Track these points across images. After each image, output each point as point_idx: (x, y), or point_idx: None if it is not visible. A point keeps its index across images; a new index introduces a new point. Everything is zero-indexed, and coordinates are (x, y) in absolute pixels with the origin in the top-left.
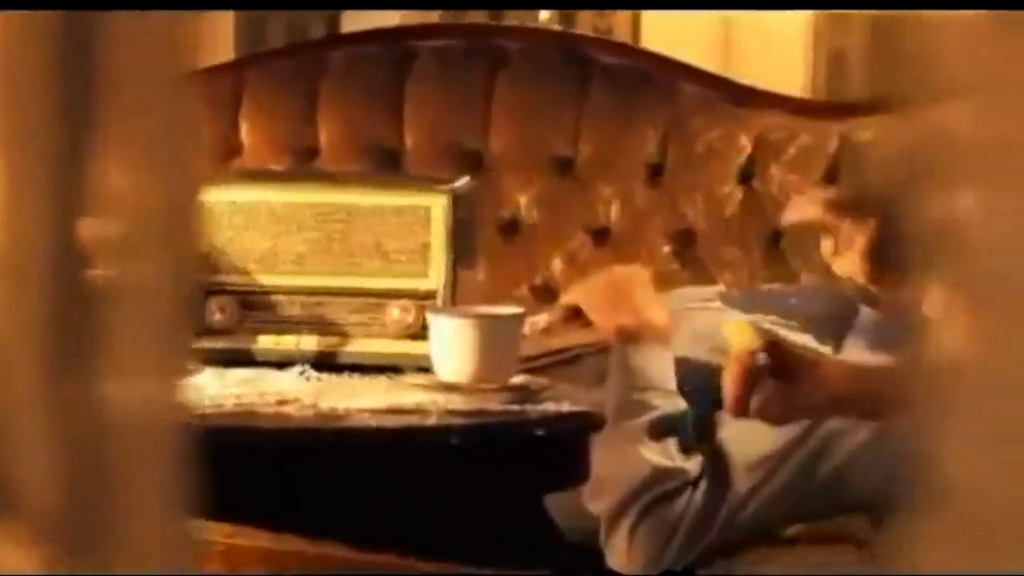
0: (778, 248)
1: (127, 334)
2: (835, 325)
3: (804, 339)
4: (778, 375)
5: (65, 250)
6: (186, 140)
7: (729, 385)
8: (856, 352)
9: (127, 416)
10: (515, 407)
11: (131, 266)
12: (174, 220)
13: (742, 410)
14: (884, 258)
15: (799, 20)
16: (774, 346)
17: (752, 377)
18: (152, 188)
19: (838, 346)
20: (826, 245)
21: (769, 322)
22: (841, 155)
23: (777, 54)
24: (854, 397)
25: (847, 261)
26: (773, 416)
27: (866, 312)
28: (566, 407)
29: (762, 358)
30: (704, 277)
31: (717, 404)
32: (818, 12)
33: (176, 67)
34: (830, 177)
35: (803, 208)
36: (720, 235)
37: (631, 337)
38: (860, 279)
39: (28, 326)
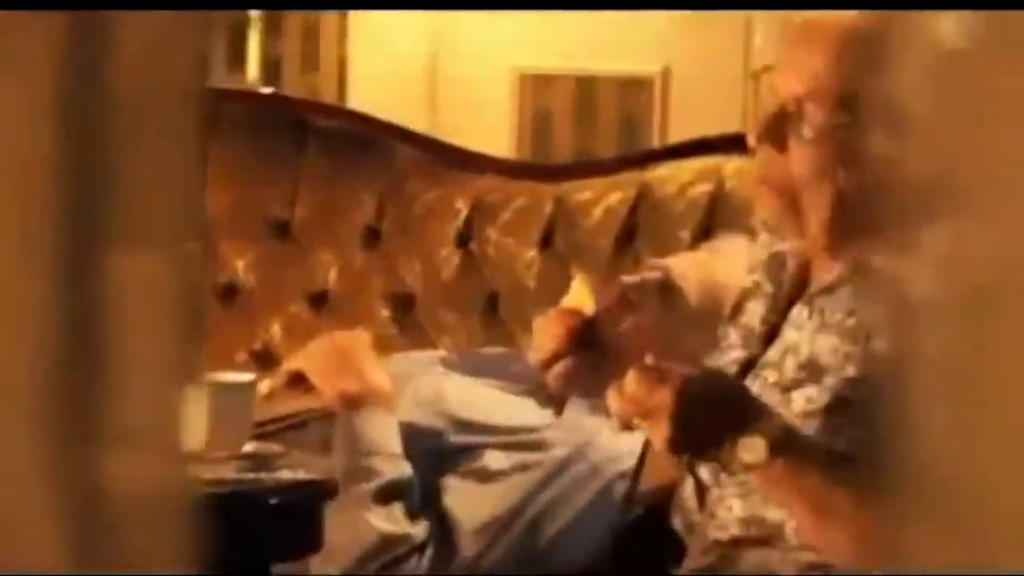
0: (496, 311)
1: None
2: None
3: (526, 403)
4: (592, 348)
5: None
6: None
7: (541, 337)
8: (577, 416)
9: (130, 486)
10: (250, 475)
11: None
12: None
13: (544, 366)
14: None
15: (504, 80)
16: (595, 321)
17: (566, 338)
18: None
19: (560, 410)
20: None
21: (490, 386)
22: (556, 217)
23: (483, 114)
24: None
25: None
26: (572, 386)
27: None
28: (302, 474)
29: (580, 324)
30: (423, 341)
31: (442, 469)
32: (523, 74)
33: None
34: (546, 240)
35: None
36: (438, 298)
37: (355, 402)
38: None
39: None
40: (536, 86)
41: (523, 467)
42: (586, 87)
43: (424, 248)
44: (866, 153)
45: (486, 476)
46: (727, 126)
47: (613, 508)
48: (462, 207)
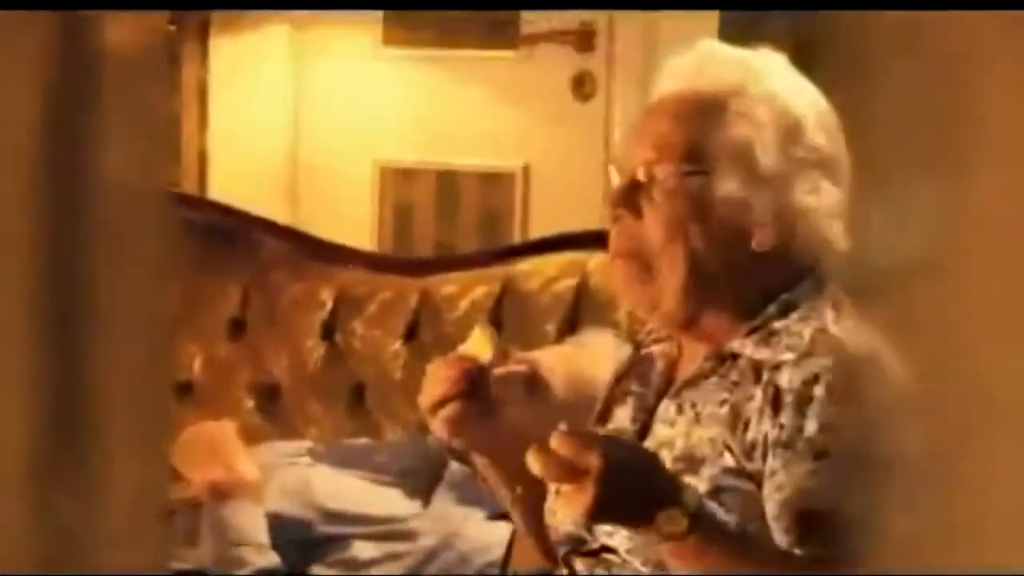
0: (362, 403)
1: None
2: (424, 479)
3: (393, 493)
4: (483, 397)
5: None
6: None
7: (432, 380)
8: (445, 506)
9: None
10: None
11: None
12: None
13: (431, 410)
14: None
15: (366, 173)
16: (488, 370)
17: (457, 382)
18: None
19: (427, 500)
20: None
21: (357, 476)
22: (421, 310)
23: (344, 206)
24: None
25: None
26: (457, 432)
27: (455, 467)
28: (176, 566)
29: (473, 370)
30: (290, 431)
31: (310, 559)
32: (384, 167)
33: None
34: (411, 332)
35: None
36: (304, 389)
37: (223, 492)
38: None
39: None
40: (397, 179)
41: (392, 557)
42: (447, 181)
43: (290, 339)
44: (717, 207)
45: (354, 566)
46: (588, 221)
47: None
48: (327, 299)
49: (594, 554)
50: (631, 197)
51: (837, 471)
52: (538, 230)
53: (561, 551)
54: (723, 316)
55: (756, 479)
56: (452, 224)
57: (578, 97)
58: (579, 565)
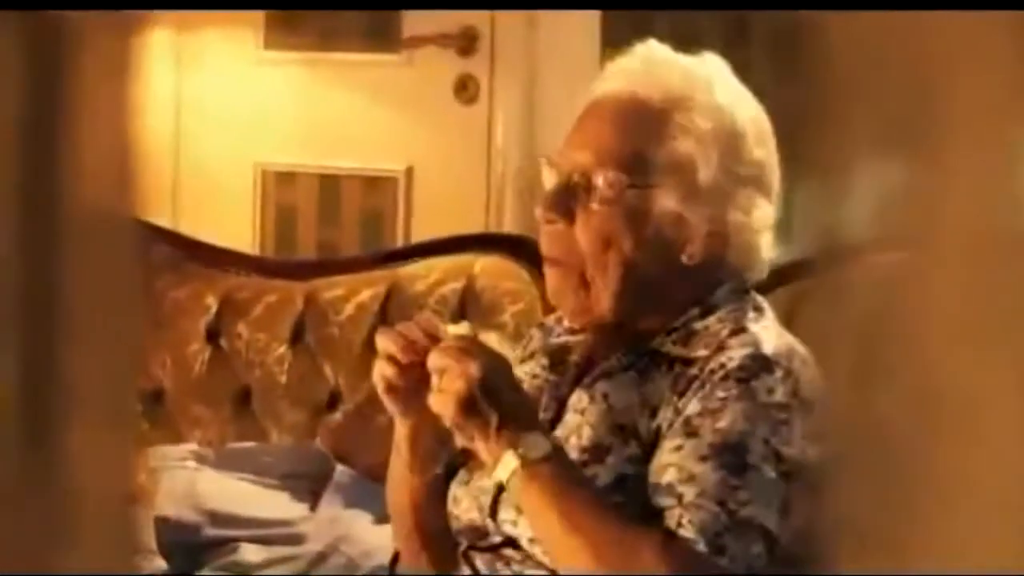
0: (248, 406)
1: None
2: (310, 483)
3: (281, 497)
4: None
5: None
6: None
7: (394, 335)
8: (332, 509)
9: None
10: None
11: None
12: None
13: (381, 358)
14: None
15: (247, 176)
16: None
17: (411, 348)
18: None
19: (314, 503)
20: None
21: (243, 480)
22: (307, 313)
23: (226, 209)
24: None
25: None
26: (390, 394)
27: (342, 470)
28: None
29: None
30: (174, 435)
31: (197, 563)
32: (265, 170)
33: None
34: (297, 335)
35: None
36: (189, 393)
37: None
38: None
39: None
40: (279, 182)
41: (279, 560)
42: (329, 184)
43: (174, 343)
44: (654, 220)
45: (241, 569)
46: (471, 224)
47: None
48: (212, 303)
49: (494, 549)
50: (564, 201)
51: (694, 453)
52: (421, 233)
53: (461, 546)
54: (652, 320)
55: None
56: (334, 227)
57: (461, 100)
58: (479, 561)
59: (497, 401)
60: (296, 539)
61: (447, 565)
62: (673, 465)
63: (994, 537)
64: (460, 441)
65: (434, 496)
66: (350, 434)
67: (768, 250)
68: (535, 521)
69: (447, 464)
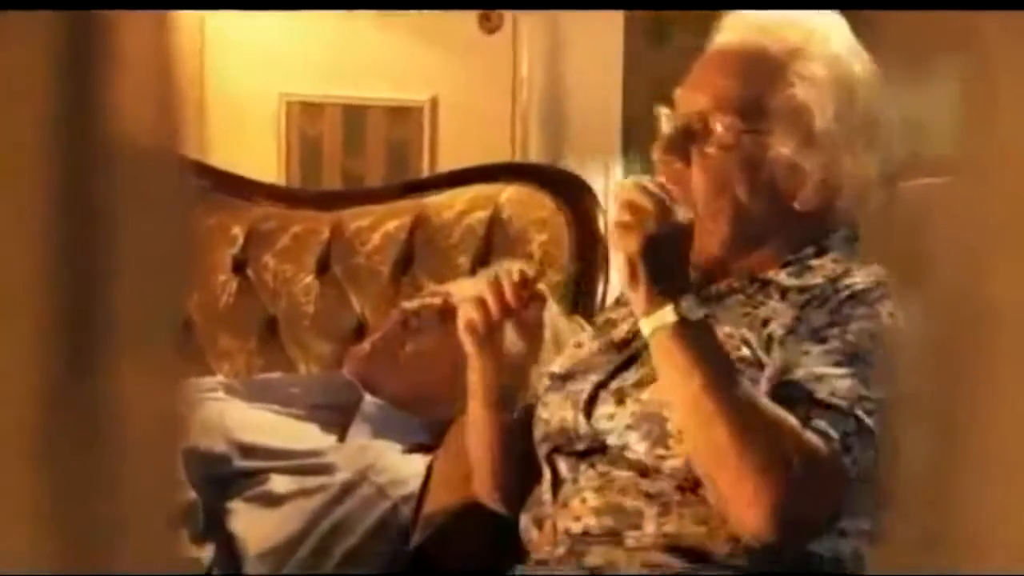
0: (275, 337)
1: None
2: (339, 413)
3: (310, 428)
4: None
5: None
6: None
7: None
8: (361, 439)
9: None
10: None
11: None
12: None
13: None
14: None
15: (271, 107)
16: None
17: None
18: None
19: (343, 433)
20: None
21: (272, 411)
22: (333, 243)
23: (251, 141)
24: None
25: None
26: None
27: (369, 400)
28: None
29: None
30: (203, 367)
31: (227, 494)
32: (290, 101)
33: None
34: (323, 266)
35: None
36: (216, 324)
37: None
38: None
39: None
40: (304, 113)
41: (308, 491)
42: (354, 115)
43: (202, 275)
44: (768, 167)
45: (271, 500)
46: (495, 155)
47: (399, 531)
48: (238, 234)
49: (579, 454)
50: (682, 144)
51: (825, 354)
52: (446, 163)
53: (543, 449)
54: (763, 257)
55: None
56: (360, 157)
57: (484, 29)
58: (562, 464)
59: (674, 257)
60: (325, 469)
61: (518, 506)
62: (800, 366)
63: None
64: (621, 282)
65: (509, 437)
66: (377, 363)
67: (877, 200)
68: (673, 381)
69: (521, 410)
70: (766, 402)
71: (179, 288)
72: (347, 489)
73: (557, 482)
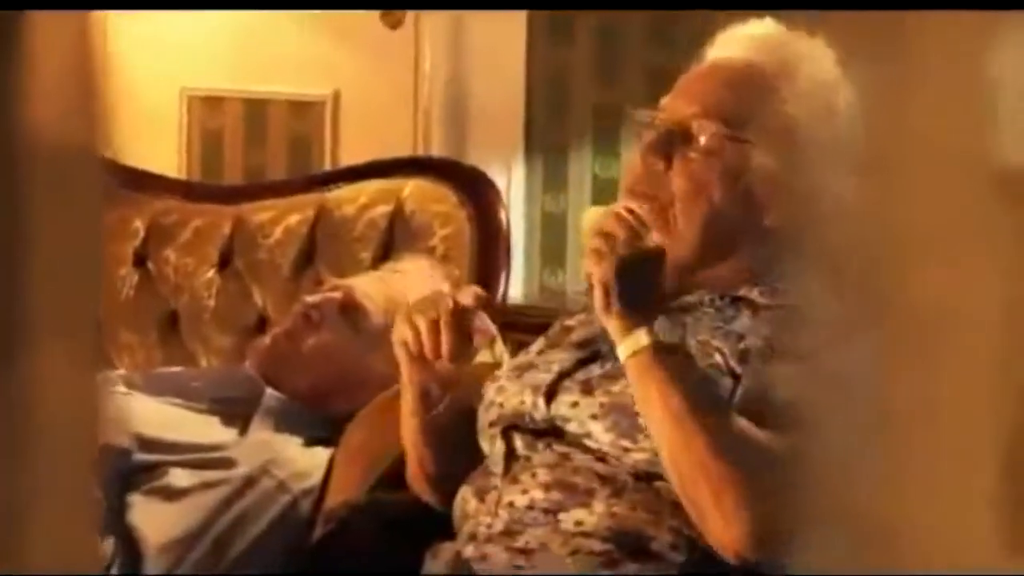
0: (176, 330)
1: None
2: (240, 407)
3: (211, 421)
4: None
5: None
6: None
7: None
8: (262, 433)
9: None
10: None
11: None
12: None
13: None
14: None
15: (173, 101)
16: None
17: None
18: None
19: (244, 427)
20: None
21: (173, 404)
22: (235, 237)
23: (152, 134)
24: None
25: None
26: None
27: (271, 394)
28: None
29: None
30: (103, 361)
31: (127, 487)
32: (191, 95)
33: None
34: (225, 260)
35: None
36: (117, 318)
37: None
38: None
39: None
40: (205, 107)
41: (209, 485)
42: (256, 108)
43: (107, 269)
44: (748, 177)
45: (171, 494)
46: (396, 150)
47: (300, 524)
48: (140, 227)
49: (537, 432)
50: (665, 147)
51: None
52: (348, 157)
53: (496, 428)
54: (730, 272)
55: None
56: (261, 152)
57: (387, 23)
58: (518, 440)
59: (646, 282)
60: (226, 463)
61: (446, 494)
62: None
63: (964, 462)
64: (595, 308)
65: (435, 431)
66: (279, 358)
67: (848, 221)
68: (651, 403)
69: (447, 406)
70: (743, 421)
71: (95, 283)
72: (248, 483)
73: (511, 456)
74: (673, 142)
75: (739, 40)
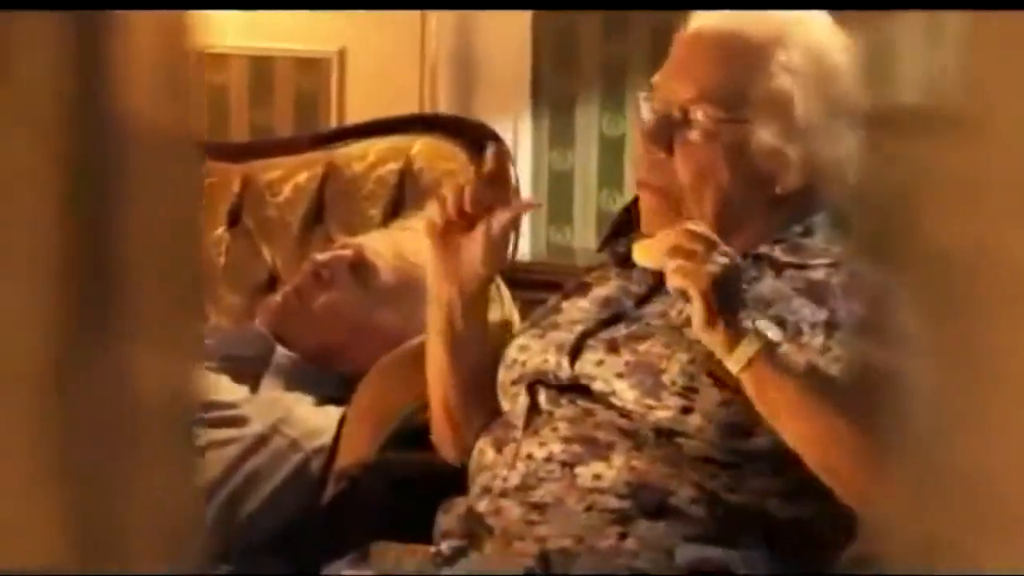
0: None
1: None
2: (251, 365)
3: (222, 380)
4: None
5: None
6: None
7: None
8: (273, 391)
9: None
10: None
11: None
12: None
13: None
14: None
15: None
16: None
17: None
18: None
19: (256, 385)
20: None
21: None
22: (244, 195)
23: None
24: None
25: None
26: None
27: (281, 352)
28: None
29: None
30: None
31: None
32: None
33: None
34: (234, 218)
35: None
36: None
37: None
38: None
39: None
40: (210, 64)
41: (221, 443)
42: (262, 66)
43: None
44: (751, 154)
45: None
46: (403, 108)
47: (312, 483)
48: None
49: (562, 388)
50: (664, 133)
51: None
52: (355, 115)
53: (520, 385)
54: (748, 237)
55: None
56: (267, 109)
57: None
58: (543, 396)
59: (737, 287)
60: (238, 421)
61: (466, 446)
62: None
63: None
64: (697, 326)
65: (462, 353)
66: (289, 316)
67: (853, 179)
68: (779, 403)
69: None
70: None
71: (197, 278)
72: (260, 441)
73: (533, 410)
74: (670, 128)
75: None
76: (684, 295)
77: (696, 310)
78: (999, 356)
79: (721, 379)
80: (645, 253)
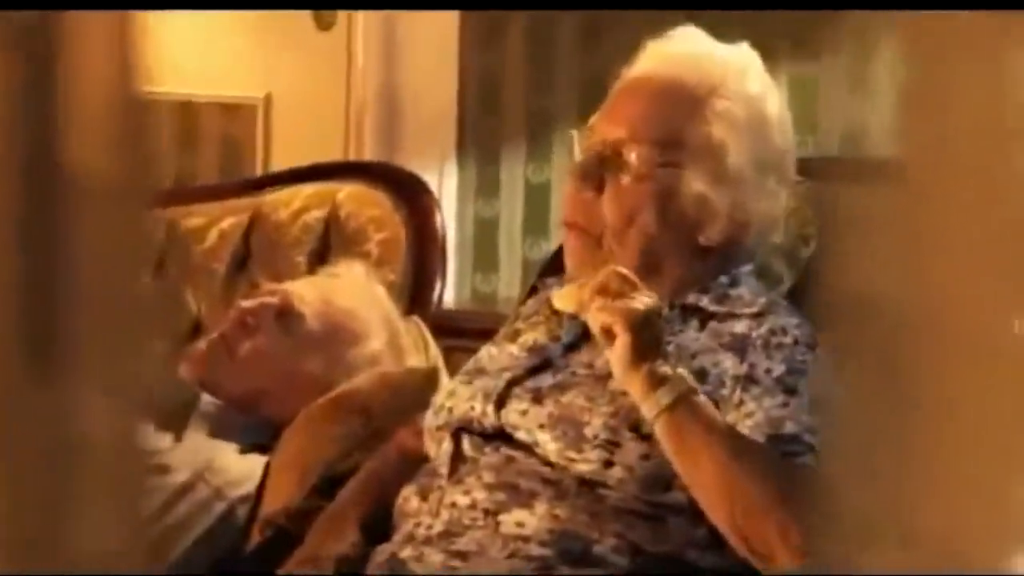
0: None
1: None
2: (175, 413)
3: (147, 428)
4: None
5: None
6: None
7: None
8: (197, 439)
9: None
10: None
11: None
12: None
13: None
14: None
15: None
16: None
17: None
18: None
19: (179, 433)
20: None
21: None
22: (168, 242)
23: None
24: None
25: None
26: None
27: (207, 400)
28: None
29: None
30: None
31: None
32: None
33: None
34: (159, 265)
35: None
36: None
37: None
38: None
39: None
40: None
41: None
42: (187, 112)
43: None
44: (679, 200)
45: None
46: (330, 153)
47: (237, 530)
48: None
49: (487, 436)
50: (595, 172)
51: (801, 406)
52: (280, 161)
53: (447, 431)
54: (667, 289)
55: None
56: (192, 155)
57: (319, 26)
58: (466, 442)
59: (658, 331)
60: (161, 470)
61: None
62: (787, 418)
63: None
64: (621, 365)
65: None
66: (214, 363)
67: (779, 235)
68: (694, 451)
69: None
70: (761, 443)
71: (143, 316)
72: (183, 490)
73: (458, 457)
74: (602, 167)
75: (663, 54)
76: (607, 335)
77: (619, 348)
78: (939, 407)
79: (643, 432)
80: (565, 299)
